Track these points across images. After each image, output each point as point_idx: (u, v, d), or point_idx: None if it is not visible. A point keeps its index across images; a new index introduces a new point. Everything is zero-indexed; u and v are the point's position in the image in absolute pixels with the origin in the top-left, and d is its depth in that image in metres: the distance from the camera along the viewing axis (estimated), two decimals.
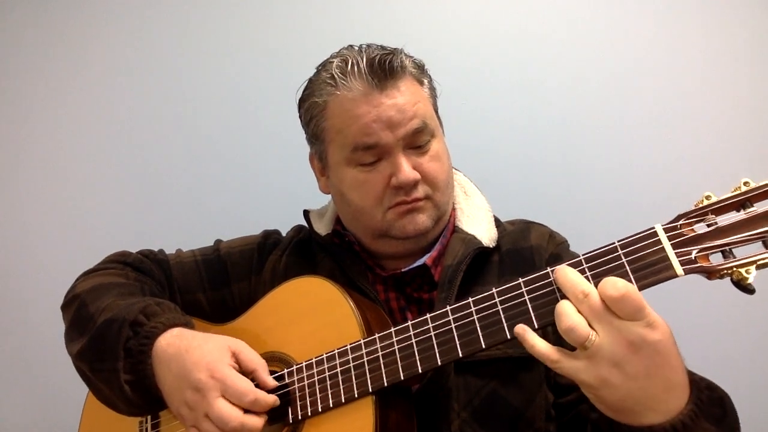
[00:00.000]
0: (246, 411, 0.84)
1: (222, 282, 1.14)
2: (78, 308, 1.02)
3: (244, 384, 0.85)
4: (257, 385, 0.87)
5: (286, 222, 1.23)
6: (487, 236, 1.04)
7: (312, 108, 1.03)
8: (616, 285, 0.65)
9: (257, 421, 0.84)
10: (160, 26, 1.72)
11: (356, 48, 1.03)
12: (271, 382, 0.88)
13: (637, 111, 1.48)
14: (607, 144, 1.49)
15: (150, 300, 0.97)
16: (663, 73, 1.47)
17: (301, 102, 1.07)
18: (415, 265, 1.02)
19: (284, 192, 1.55)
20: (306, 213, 1.17)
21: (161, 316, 0.94)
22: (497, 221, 1.11)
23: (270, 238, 1.19)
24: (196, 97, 1.70)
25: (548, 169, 1.52)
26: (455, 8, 1.58)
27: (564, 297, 0.70)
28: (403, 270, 1.02)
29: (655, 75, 1.47)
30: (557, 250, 1.05)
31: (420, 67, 1.04)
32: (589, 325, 0.67)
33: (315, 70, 1.06)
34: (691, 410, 0.67)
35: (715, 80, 1.45)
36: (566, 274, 0.70)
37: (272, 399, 0.86)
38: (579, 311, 0.67)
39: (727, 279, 0.66)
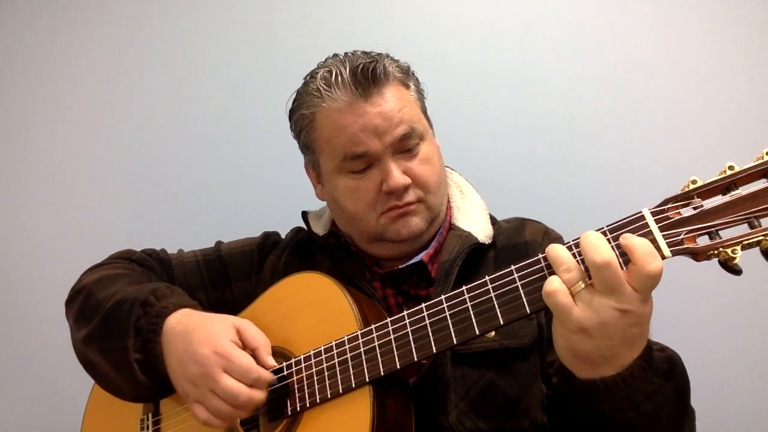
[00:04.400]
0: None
1: (222, 282, 1.15)
2: (85, 298, 1.04)
3: (247, 361, 0.86)
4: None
5: (285, 224, 1.24)
6: (483, 233, 1.05)
7: (300, 120, 1.06)
8: (656, 259, 0.66)
9: (262, 395, 0.86)
10: (161, 27, 1.74)
11: (340, 57, 1.05)
12: (271, 361, 0.90)
13: (635, 110, 1.49)
14: (605, 143, 1.50)
15: (160, 283, 1.00)
16: (662, 72, 1.48)
17: (291, 114, 1.09)
18: (411, 262, 1.03)
19: (284, 194, 1.56)
20: (304, 214, 1.19)
21: (171, 297, 0.96)
22: (493, 219, 1.12)
23: (270, 238, 1.20)
24: (195, 98, 1.71)
25: (546, 168, 1.52)
26: (454, 8, 1.60)
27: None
28: (400, 267, 1.03)
29: (654, 74, 1.49)
30: None
31: (405, 71, 1.05)
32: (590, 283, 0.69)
33: (303, 81, 1.08)
34: (639, 364, 0.71)
35: (715, 80, 1.46)
36: (586, 239, 0.69)
37: (272, 376, 0.88)
38: (592, 276, 0.68)
39: (715, 261, 0.67)
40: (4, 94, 1.81)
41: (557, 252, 0.71)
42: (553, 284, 0.70)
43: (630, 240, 0.67)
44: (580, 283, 0.69)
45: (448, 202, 1.12)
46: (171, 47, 1.73)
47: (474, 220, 1.08)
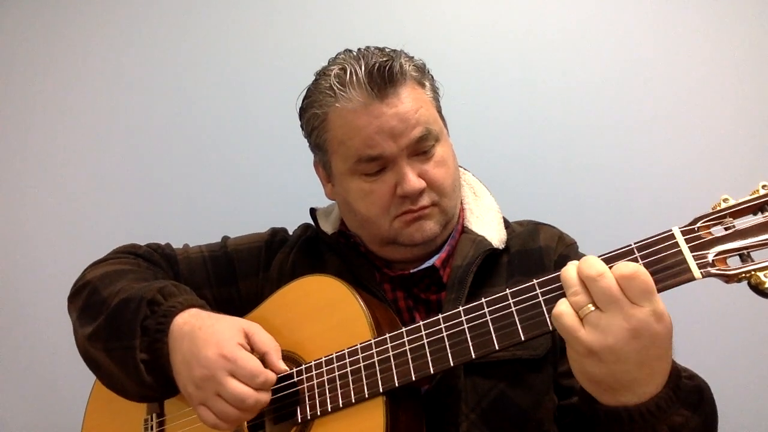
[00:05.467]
0: None
1: (229, 279, 1.13)
2: (90, 294, 1.02)
3: (254, 364, 0.85)
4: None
5: (293, 220, 1.22)
6: (497, 237, 1.03)
7: (312, 119, 1.02)
8: (628, 264, 0.66)
9: (267, 396, 0.85)
10: (162, 27, 1.72)
11: (354, 54, 1.01)
12: (282, 366, 0.88)
13: (634, 110, 1.48)
14: (604, 143, 1.49)
15: (167, 282, 0.97)
16: (662, 72, 1.48)
17: (302, 112, 1.06)
18: (423, 266, 1.01)
19: (291, 190, 1.55)
20: (312, 211, 1.16)
21: (178, 296, 0.94)
22: (506, 222, 1.10)
23: (277, 235, 1.18)
24: (199, 95, 1.69)
25: (546, 168, 1.52)
26: (454, 8, 1.58)
27: None
28: (411, 271, 1.01)
29: (654, 74, 1.48)
30: (566, 251, 1.04)
31: (421, 70, 1.02)
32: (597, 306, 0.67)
33: (313, 78, 1.05)
34: (667, 395, 0.69)
35: (727, 81, 1.45)
36: (583, 259, 0.69)
37: (275, 376, 0.87)
38: (591, 292, 0.67)
39: (744, 283, 0.66)
40: (4, 94, 1.79)
41: (566, 275, 0.70)
42: (560, 307, 0.69)
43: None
44: (589, 305, 0.67)
45: (461, 203, 1.10)
46: (172, 47, 1.72)
47: (488, 224, 1.05)
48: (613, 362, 0.66)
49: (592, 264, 0.67)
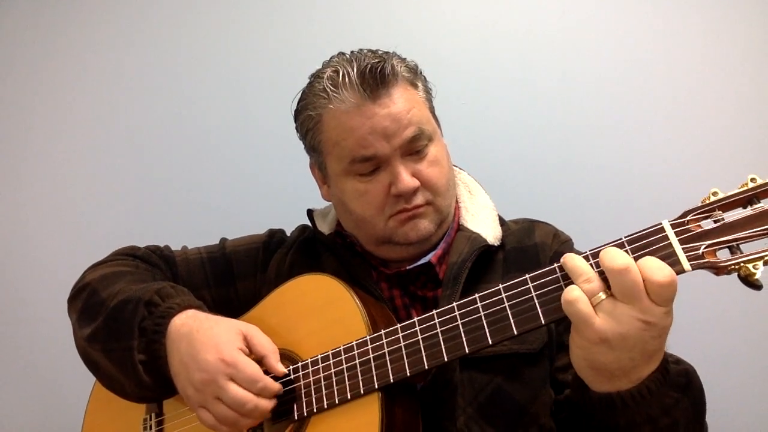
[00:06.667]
0: None
1: (227, 279, 1.14)
2: (88, 296, 1.02)
3: (254, 369, 0.85)
4: (266, 372, 0.88)
5: (290, 221, 1.23)
6: (492, 234, 1.04)
7: (307, 121, 1.03)
8: (664, 271, 0.65)
9: (268, 404, 0.86)
10: (162, 26, 1.74)
11: (347, 56, 1.02)
12: (281, 368, 0.89)
13: (634, 110, 1.49)
14: (604, 143, 1.50)
15: (164, 283, 0.98)
16: (667, 71, 1.48)
17: (297, 114, 1.07)
18: (419, 263, 1.02)
19: (289, 192, 1.55)
20: (309, 212, 1.17)
21: (176, 297, 0.94)
22: (501, 220, 1.11)
23: (275, 236, 1.19)
24: (198, 96, 1.70)
25: (545, 168, 1.52)
26: (454, 8, 1.59)
27: None
28: (407, 268, 1.02)
29: (654, 74, 1.48)
30: (561, 248, 1.05)
31: (413, 70, 1.03)
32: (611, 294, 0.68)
33: (308, 81, 1.06)
34: (657, 378, 0.71)
35: (719, 78, 1.45)
36: (605, 251, 0.69)
37: (278, 386, 0.87)
38: (612, 283, 0.67)
39: (735, 275, 0.66)
40: (4, 94, 1.80)
41: (575, 263, 0.70)
42: (574, 293, 0.69)
43: (640, 260, 0.67)
44: (601, 294, 0.68)
45: (456, 202, 1.11)
46: (172, 47, 1.73)
47: (482, 221, 1.06)
48: (620, 349, 0.67)
49: (615, 255, 0.67)
